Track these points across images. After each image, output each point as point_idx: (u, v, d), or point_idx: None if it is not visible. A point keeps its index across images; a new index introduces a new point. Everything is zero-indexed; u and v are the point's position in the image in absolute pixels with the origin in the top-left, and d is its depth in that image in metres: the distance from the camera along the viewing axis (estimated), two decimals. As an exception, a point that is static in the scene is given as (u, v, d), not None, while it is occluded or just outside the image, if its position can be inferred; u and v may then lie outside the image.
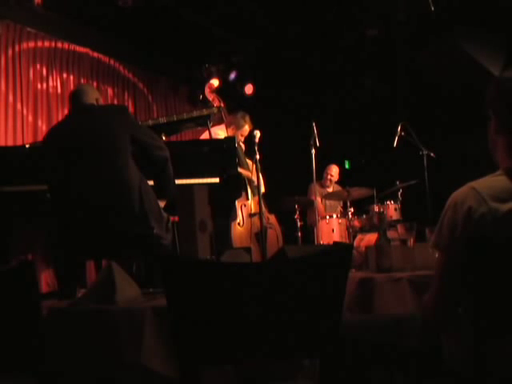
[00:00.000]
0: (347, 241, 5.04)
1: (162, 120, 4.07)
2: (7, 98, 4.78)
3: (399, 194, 5.32)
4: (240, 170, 4.05)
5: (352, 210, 5.15)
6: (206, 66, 6.45)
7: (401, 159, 6.50)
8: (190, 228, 4.36)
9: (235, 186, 3.92)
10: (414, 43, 6.43)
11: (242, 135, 4.99)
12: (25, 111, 4.92)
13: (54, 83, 5.27)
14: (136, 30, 5.59)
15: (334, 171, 6.47)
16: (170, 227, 2.96)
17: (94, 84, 5.62)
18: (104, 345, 1.76)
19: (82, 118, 2.87)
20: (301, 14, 5.85)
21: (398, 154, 5.56)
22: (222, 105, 4.72)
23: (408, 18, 5.77)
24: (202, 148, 3.80)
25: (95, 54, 5.77)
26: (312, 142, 4.99)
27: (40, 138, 4.40)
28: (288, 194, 5.73)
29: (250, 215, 4.89)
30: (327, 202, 6.30)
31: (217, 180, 3.66)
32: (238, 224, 4.86)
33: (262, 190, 4.63)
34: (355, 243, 5.04)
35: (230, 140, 3.89)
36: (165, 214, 2.92)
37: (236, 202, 4.80)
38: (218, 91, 5.24)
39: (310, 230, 6.07)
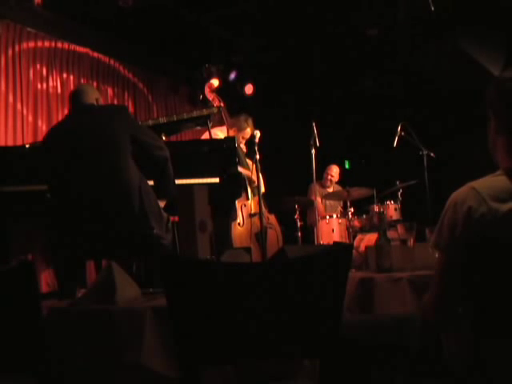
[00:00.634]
0: (347, 241, 5.05)
1: (162, 120, 4.07)
2: (7, 98, 4.77)
3: (399, 194, 5.33)
4: (240, 169, 4.04)
5: (352, 210, 5.16)
6: (206, 65, 6.44)
7: (401, 159, 6.51)
8: (190, 228, 4.35)
9: (235, 186, 3.91)
10: (414, 43, 6.43)
11: (243, 138, 4.97)
12: (25, 111, 4.91)
13: (54, 83, 5.26)
14: (136, 30, 5.58)
15: (334, 171, 6.47)
16: (170, 227, 2.96)
17: (94, 84, 5.61)
18: (104, 345, 1.76)
19: (82, 118, 2.87)
20: (301, 14, 5.85)
21: (397, 153, 5.55)
22: (222, 105, 4.72)
23: (408, 18, 5.77)
24: (202, 148, 3.80)
25: (95, 54, 5.76)
26: (312, 142, 4.99)
27: (40, 138, 4.40)
28: (288, 193, 5.73)
29: (250, 215, 4.88)
30: (327, 202, 6.30)
31: (217, 180, 3.66)
32: (238, 224, 4.86)
33: (262, 190, 4.63)
34: (355, 243, 5.04)
35: (230, 140, 3.88)
36: (165, 214, 2.92)
37: (236, 202, 4.79)
38: (218, 91, 5.24)
39: (310, 230, 6.07)
